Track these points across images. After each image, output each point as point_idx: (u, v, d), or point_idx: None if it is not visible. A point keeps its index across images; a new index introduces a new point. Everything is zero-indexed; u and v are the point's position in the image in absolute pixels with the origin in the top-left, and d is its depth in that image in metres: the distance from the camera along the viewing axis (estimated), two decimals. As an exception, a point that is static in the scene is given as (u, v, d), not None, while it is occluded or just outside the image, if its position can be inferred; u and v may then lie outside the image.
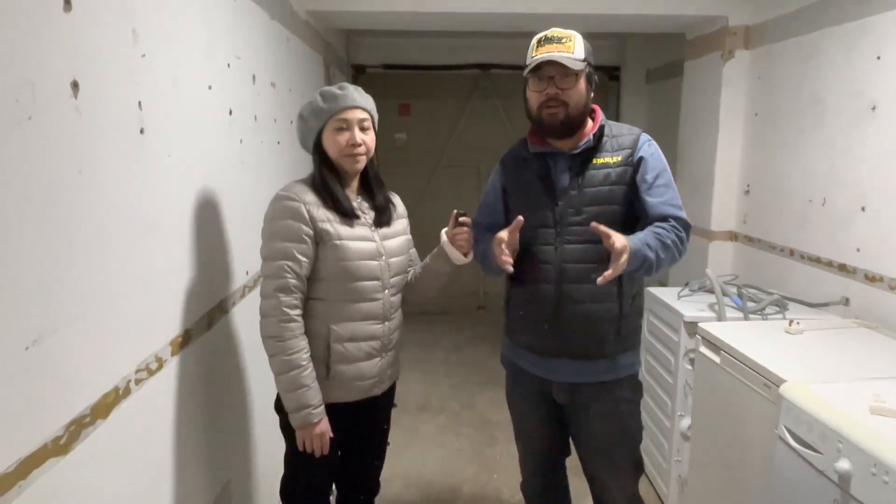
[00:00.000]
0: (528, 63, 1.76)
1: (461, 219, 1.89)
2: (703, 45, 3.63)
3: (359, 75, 5.28)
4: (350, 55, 5.10)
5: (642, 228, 1.74)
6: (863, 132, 2.48)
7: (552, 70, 1.72)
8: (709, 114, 3.55)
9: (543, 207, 1.83)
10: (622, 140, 1.82)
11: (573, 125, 1.78)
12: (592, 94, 1.82)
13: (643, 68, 5.15)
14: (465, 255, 1.91)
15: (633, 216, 1.81)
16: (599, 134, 1.82)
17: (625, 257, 1.57)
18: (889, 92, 2.36)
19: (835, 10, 2.66)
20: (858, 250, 2.50)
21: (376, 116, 1.85)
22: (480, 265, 1.96)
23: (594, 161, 1.80)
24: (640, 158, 1.78)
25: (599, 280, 1.59)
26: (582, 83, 1.76)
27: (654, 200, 1.75)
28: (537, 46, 1.75)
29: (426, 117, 5.67)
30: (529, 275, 1.85)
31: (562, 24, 3.68)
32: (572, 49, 1.72)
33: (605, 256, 1.65)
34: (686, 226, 1.76)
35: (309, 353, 1.69)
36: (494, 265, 1.78)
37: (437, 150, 5.73)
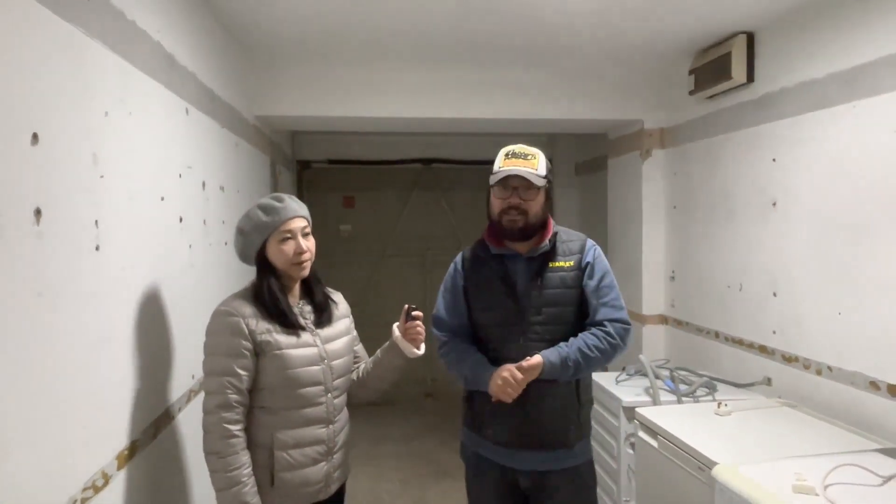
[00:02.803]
0: (494, 172, 1.93)
1: (413, 313, 1.94)
2: (624, 145, 3.98)
3: (304, 170, 5.44)
4: (295, 151, 5.27)
5: (582, 329, 1.96)
6: (768, 224, 2.76)
7: (517, 182, 1.90)
8: (633, 206, 3.84)
9: (506, 307, 1.96)
10: (572, 245, 2.01)
11: (530, 232, 1.96)
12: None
13: (572, 161, 5.53)
14: (418, 348, 1.97)
15: (582, 315, 1.99)
16: (553, 240, 1.99)
17: (536, 372, 1.86)
18: (785, 190, 2.65)
19: (734, 118, 3.00)
20: (774, 332, 2.71)
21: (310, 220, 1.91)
22: (456, 373, 2.03)
23: (550, 265, 1.97)
24: (588, 263, 1.98)
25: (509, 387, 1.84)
26: (541, 196, 1.95)
27: (596, 303, 1.95)
28: (505, 159, 1.93)
29: (370, 209, 5.83)
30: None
31: (495, 126, 4.03)
32: (536, 166, 1.91)
33: None
34: (624, 325, 1.95)
35: (251, 469, 1.68)
36: (481, 385, 1.94)
37: (382, 240, 5.87)
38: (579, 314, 1.98)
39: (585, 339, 1.90)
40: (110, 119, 1.55)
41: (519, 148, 1.96)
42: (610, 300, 1.95)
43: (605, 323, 1.92)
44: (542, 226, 1.99)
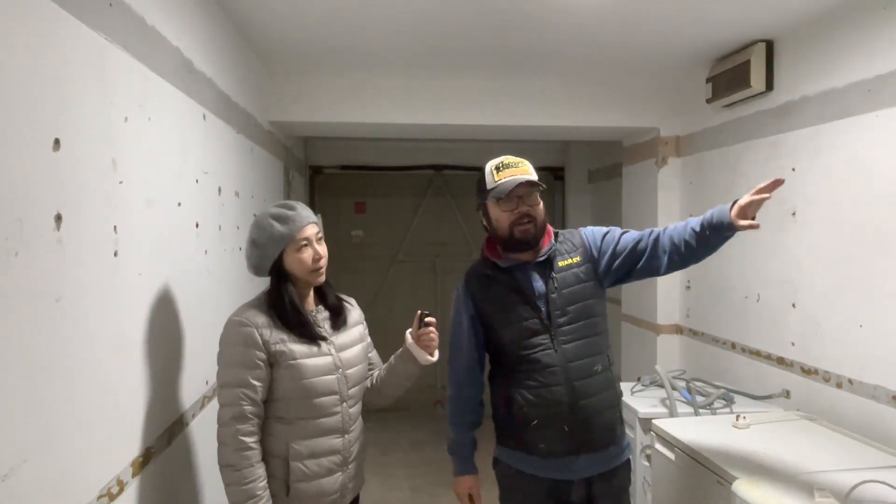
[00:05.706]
0: (491, 187, 1.88)
1: (426, 319, 1.91)
2: (639, 153, 3.95)
3: (316, 176, 5.45)
4: (308, 157, 5.28)
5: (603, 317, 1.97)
6: (788, 234, 2.73)
7: (521, 190, 1.87)
8: (648, 214, 3.80)
9: (530, 317, 1.91)
10: (573, 241, 2.00)
11: (540, 238, 1.94)
12: None
13: (585, 169, 5.49)
14: (432, 354, 1.92)
15: (603, 305, 1.99)
16: (557, 240, 1.98)
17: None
18: (805, 199, 2.62)
19: (753, 127, 2.97)
20: (793, 344, 2.67)
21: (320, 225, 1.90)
22: (448, 429, 2.05)
23: (559, 264, 1.94)
24: (601, 241, 1.98)
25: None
26: (541, 201, 1.93)
27: (634, 239, 1.93)
28: (498, 172, 1.90)
29: (382, 215, 5.82)
30: (534, 382, 1.89)
31: (509, 134, 4.02)
32: (529, 172, 1.90)
33: (599, 348, 1.93)
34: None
35: (266, 482, 1.66)
36: (455, 467, 2.04)
37: (394, 246, 5.86)
38: (599, 306, 1.97)
39: (681, 226, 1.88)
40: (130, 124, 1.55)
41: (507, 159, 1.94)
42: (636, 233, 1.97)
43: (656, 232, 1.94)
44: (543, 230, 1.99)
